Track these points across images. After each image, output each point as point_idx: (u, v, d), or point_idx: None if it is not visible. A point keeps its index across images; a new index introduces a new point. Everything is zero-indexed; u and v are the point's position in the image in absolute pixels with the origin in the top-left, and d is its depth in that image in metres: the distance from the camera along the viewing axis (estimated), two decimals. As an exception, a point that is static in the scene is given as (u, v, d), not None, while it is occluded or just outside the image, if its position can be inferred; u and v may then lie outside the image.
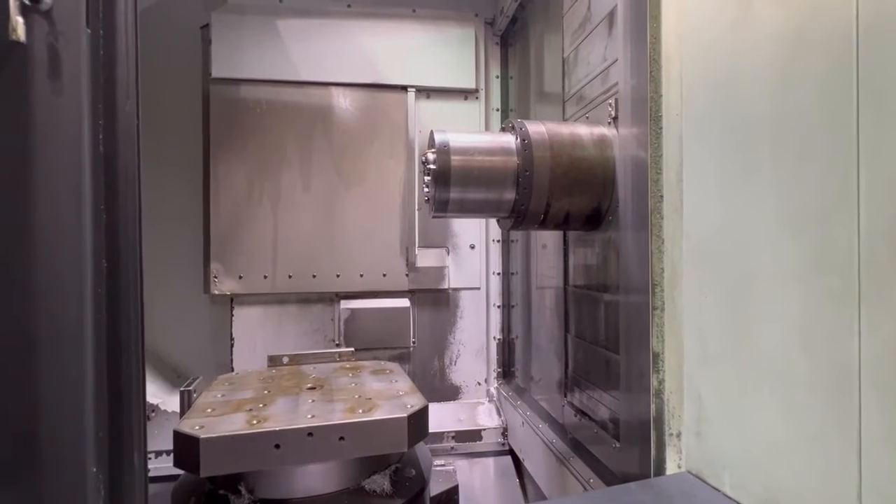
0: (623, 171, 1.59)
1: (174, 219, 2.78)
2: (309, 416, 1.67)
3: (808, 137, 0.76)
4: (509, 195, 1.72)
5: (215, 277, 2.73)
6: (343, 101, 2.87)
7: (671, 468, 1.08)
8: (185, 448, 1.54)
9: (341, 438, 1.62)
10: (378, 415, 1.69)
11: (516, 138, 1.72)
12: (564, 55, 2.15)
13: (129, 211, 0.76)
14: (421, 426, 1.75)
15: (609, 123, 1.73)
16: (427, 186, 1.73)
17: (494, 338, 3.07)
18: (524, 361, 2.94)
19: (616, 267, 1.70)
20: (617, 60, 1.66)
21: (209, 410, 1.74)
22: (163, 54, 2.71)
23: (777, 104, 0.80)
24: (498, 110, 3.09)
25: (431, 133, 1.76)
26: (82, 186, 0.69)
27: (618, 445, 1.66)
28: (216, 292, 2.73)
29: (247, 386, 2.06)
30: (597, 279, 1.86)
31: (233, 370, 2.79)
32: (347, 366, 2.39)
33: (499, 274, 3.09)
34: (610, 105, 1.70)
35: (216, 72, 2.70)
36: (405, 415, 1.69)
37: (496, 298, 3.08)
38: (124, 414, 0.78)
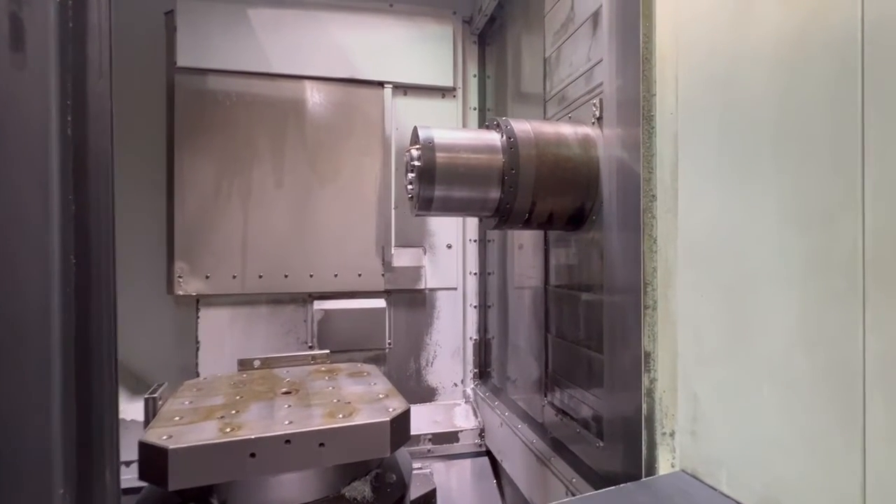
0: (608, 171, 1.60)
1: (135, 215, 2.61)
2: (286, 422, 1.59)
3: (812, 137, 0.76)
4: (494, 194, 1.70)
5: (180, 277, 2.59)
6: (317, 96, 2.78)
7: (664, 467, 1.08)
8: (152, 460, 1.44)
9: (321, 445, 1.55)
10: (359, 419, 1.64)
11: (502, 136, 1.70)
12: (546, 55, 2.15)
13: (102, 202, 0.68)
14: (403, 430, 1.70)
15: (593, 123, 1.74)
16: (411, 184, 1.69)
17: (471, 338, 3.05)
18: (500, 362, 2.93)
19: (600, 266, 1.71)
20: (602, 60, 1.67)
21: (177, 419, 1.64)
22: (123, 40, 2.54)
23: (779, 104, 0.81)
24: (475, 109, 3.07)
25: (415, 129, 1.72)
26: (48, 174, 0.62)
27: (601, 444, 1.67)
28: (181, 293, 2.59)
29: (216, 391, 1.95)
30: (579, 279, 1.86)
31: (198, 375, 2.65)
32: (323, 369, 2.32)
33: (475, 274, 3.07)
34: (594, 105, 1.70)
35: (182, 61, 2.56)
36: (387, 419, 1.64)
37: (473, 298, 3.06)
38: (95, 427, 0.70)
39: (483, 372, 3.07)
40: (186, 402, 1.81)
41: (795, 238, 0.78)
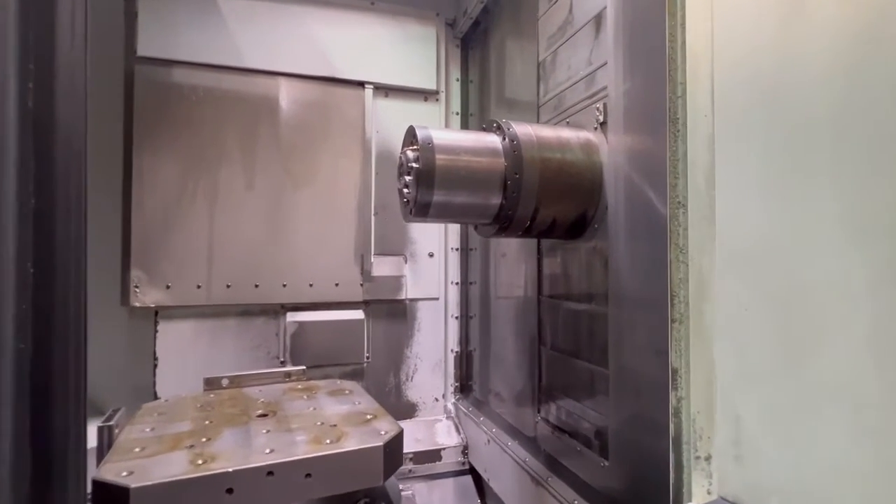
0: (613, 178, 1.54)
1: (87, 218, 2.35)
2: (266, 450, 1.42)
3: (878, 141, 0.71)
4: (495, 199, 1.60)
5: (136, 287, 2.34)
6: (293, 94, 2.62)
7: (699, 494, 1.00)
8: (109, 500, 1.23)
9: (307, 476, 1.39)
10: (348, 445, 1.48)
11: (503, 139, 1.62)
12: (539, 59, 2.09)
13: (72, 197, 0.53)
14: (396, 455, 1.57)
15: (595, 129, 1.68)
16: (406, 187, 1.57)
17: (452, 350, 2.93)
18: (482, 374, 2.83)
19: (603, 277, 1.64)
20: (606, 64, 1.61)
21: (137, 450, 1.43)
22: (75, 24, 2.30)
23: (840, 106, 0.76)
24: (457, 114, 2.99)
25: (412, 128, 1.60)
26: (1, 157, 0.46)
27: (606, 464, 1.59)
28: (137, 304, 2.35)
29: (182, 415, 1.74)
30: (579, 290, 1.79)
31: (155, 396, 2.40)
32: (299, 387, 2.14)
33: (457, 283, 2.97)
34: (598, 110, 1.65)
35: (142, 50, 2.34)
36: (380, 443, 1.49)
37: (454, 309, 2.95)
38: (56, 480, 0.54)
39: (464, 385, 2.96)
40: (148, 430, 1.60)
41: (862, 247, 0.73)
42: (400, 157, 1.64)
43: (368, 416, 1.73)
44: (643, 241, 1.40)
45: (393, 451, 1.53)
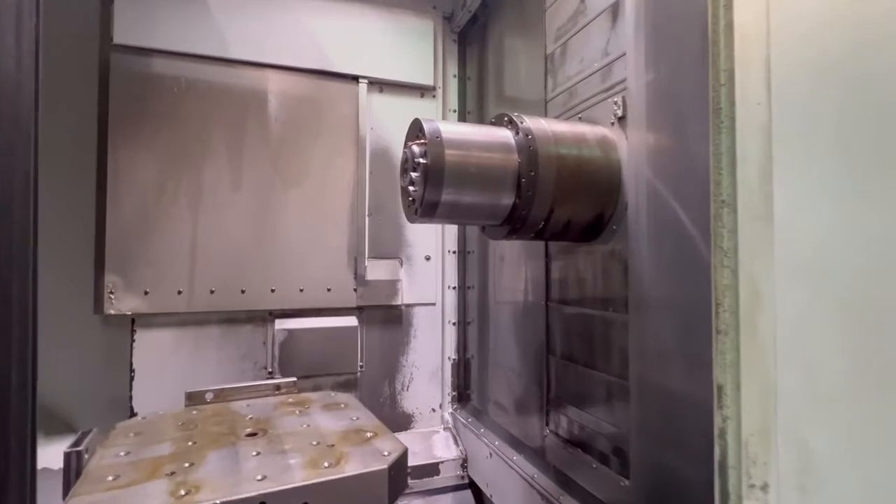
0: (634, 176, 1.43)
1: (55, 217, 2.17)
2: (258, 476, 1.28)
3: None
4: (507, 199, 1.49)
5: (111, 293, 2.16)
6: (283, 87, 2.47)
7: (753, 527, 0.89)
8: (77, 542, 1.08)
9: (305, 505, 1.25)
10: (350, 468, 1.34)
11: (516, 133, 1.50)
12: (547, 52, 1.98)
13: (16, 195, 0.40)
14: (401, 478, 1.43)
15: (612, 124, 1.58)
16: (412, 185, 1.44)
17: (449, 358, 2.80)
18: (481, 382, 2.71)
19: (622, 282, 1.54)
20: (625, 54, 1.51)
21: (111, 478, 1.27)
22: (46, 8, 2.12)
23: (936, 87, 0.66)
24: (455, 111, 2.87)
25: (418, 121, 1.48)
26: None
27: (627, 483, 1.48)
28: (112, 312, 2.17)
29: (161, 436, 1.58)
30: (593, 295, 1.68)
31: (132, 411, 2.22)
32: (291, 400, 1.98)
33: (454, 288, 2.84)
34: (615, 103, 1.54)
35: (119, 37, 2.17)
36: (384, 466, 1.36)
37: (451, 315, 2.82)
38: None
39: (462, 394, 2.83)
40: (122, 453, 1.44)
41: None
42: (404, 153, 1.51)
43: (368, 434, 1.60)
44: (672, 243, 1.29)
45: (398, 473, 1.40)
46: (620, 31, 1.55)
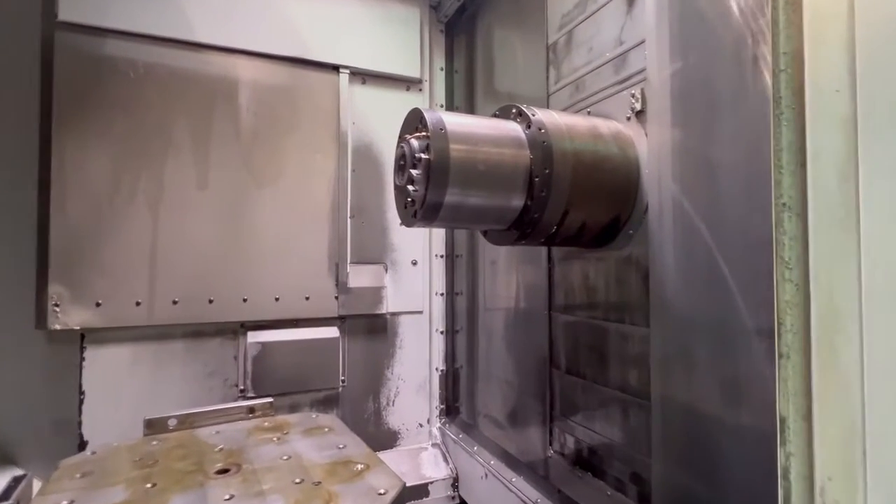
0: (657, 175, 1.30)
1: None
2: (232, 529, 1.07)
3: None
4: (517, 201, 1.33)
5: (56, 305, 1.89)
6: (255, 76, 2.24)
7: (834, 587, 0.76)
8: None
9: (290, 562, 1.06)
10: (342, 513, 1.16)
11: (527, 126, 1.34)
12: (549, 42, 1.84)
13: None
14: (400, 519, 1.25)
15: (628, 118, 1.44)
16: (412, 183, 1.26)
17: (437, 369, 2.63)
18: (470, 394, 2.55)
19: (640, 292, 1.40)
20: (643, 42, 1.38)
21: (48, 539, 1.04)
22: (-26, -24, 1.84)
23: None
24: (442, 106, 2.70)
25: (417, 110, 1.30)
26: None
27: (649, 514, 1.34)
28: (57, 326, 1.90)
29: (114, 476, 1.35)
30: (606, 306, 1.54)
31: (81, 439, 1.96)
32: (267, 425, 1.77)
33: (442, 294, 2.67)
34: (633, 96, 1.41)
35: (64, 13, 1.90)
36: (382, 508, 1.18)
37: (439, 323, 2.65)
38: None
39: (451, 408, 2.66)
40: (65, 503, 1.20)
41: None
42: (400, 147, 1.34)
43: (359, 466, 1.41)
44: (704, 251, 1.16)
45: (397, 515, 1.22)
46: (638, 17, 1.42)
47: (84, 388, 1.98)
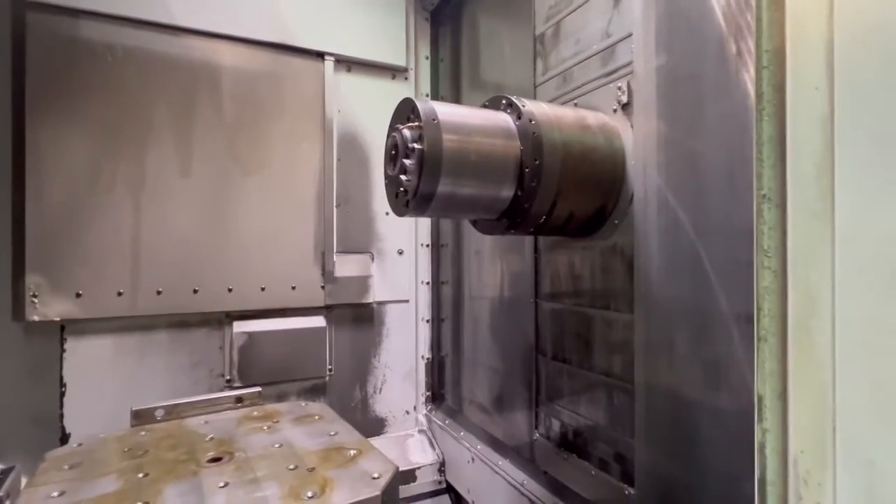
0: (643, 166, 1.34)
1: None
2: (229, 515, 1.09)
3: None
4: (507, 191, 1.35)
5: (34, 296, 1.85)
6: (239, 62, 2.20)
7: (804, 552, 0.82)
8: None
9: (288, 546, 1.08)
10: (338, 498, 1.18)
11: (517, 117, 1.36)
12: (536, 32, 1.86)
13: None
14: (394, 502, 1.28)
15: (615, 110, 1.47)
16: (404, 173, 1.27)
17: (423, 357, 2.66)
18: (456, 381, 2.59)
19: (625, 280, 1.45)
20: (630, 35, 1.41)
21: (41, 531, 1.04)
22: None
23: None
24: (427, 95, 2.70)
25: (409, 100, 1.31)
26: None
27: (632, 492, 1.40)
28: (36, 318, 1.85)
29: (104, 467, 1.34)
30: (591, 293, 1.59)
31: (63, 432, 1.93)
32: (256, 414, 1.77)
33: (428, 283, 2.69)
34: (619, 89, 1.44)
35: (38, -6, 1.83)
36: (377, 492, 1.20)
37: (425, 311, 2.68)
38: None
39: (436, 394, 2.70)
40: (55, 494, 1.19)
41: None
42: (392, 137, 1.34)
43: (352, 452, 1.43)
44: (688, 240, 1.21)
45: (390, 499, 1.24)
46: (625, 10, 1.45)
47: (65, 380, 1.95)
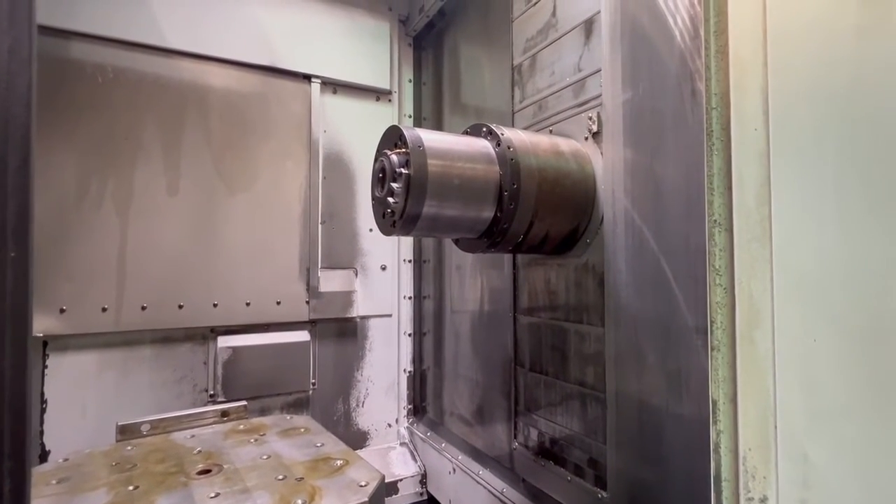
0: (612, 190, 1.46)
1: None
2: (222, 524, 1.13)
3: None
4: (488, 212, 1.45)
5: (17, 313, 1.85)
6: (227, 83, 2.26)
7: (753, 540, 0.91)
8: None
9: (280, 552, 1.12)
10: (327, 505, 1.23)
11: (496, 144, 1.47)
12: (514, 63, 1.98)
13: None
14: (380, 509, 1.34)
15: (586, 138, 1.60)
16: (392, 196, 1.36)
17: (405, 370, 2.72)
18: (437, 394, 2.65)
19: (597, 295, 1.56)
20: (600, 71, 1.54)
21: (35, 542, 1.07)
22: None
23: (934, 123, 0.71)
24: (410, 117, 2.80)
25: (396, 128, 1.40)
26: None
27: (605, 495, 1.49)
28: (18, 335, 1.85)
29: (93, 480, 1.36)
30: (566, 308, 1.69)
31: (43, 449, 1.92)
32: (242, 427, 1.81)
33: (410, 298, 2.76)
34: (590, 118, 1.56)
35: (30, 15, 1.87)
36: (365, 498, 1.26)
37: (407, 326, 2.74)
38: None
39: (418, 407, 2.75)
40: (45, 508, 1.21)
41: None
42: (380, 161, 1.43)
43: (339, 462, 1.48)
44: (651, 259, 1.32)
45: (377, 504, 1.30)
46: (595, 48, 1.58)
47: (46, 396, 1.94)
